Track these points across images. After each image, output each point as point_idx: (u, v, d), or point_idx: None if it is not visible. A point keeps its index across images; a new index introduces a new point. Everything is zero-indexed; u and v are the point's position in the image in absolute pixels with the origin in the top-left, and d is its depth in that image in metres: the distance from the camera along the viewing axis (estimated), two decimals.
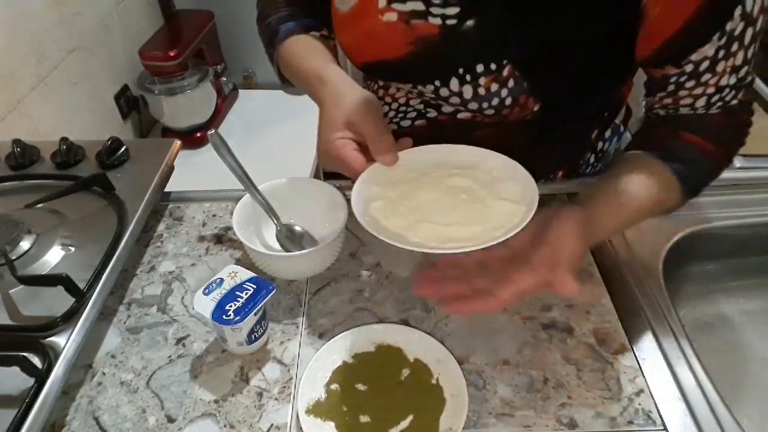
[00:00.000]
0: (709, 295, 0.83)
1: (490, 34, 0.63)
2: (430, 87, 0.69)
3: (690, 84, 0.60)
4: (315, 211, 0.74)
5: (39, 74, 1.16)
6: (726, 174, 0.86)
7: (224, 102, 1.69)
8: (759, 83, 1.31)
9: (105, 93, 1.42)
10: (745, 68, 0.59)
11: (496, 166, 0.61)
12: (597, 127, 0.75)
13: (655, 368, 0.61)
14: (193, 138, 1.56)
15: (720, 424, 0.56)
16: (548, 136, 0.72)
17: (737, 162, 1.16)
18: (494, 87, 0.65)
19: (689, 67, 0.58)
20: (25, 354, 0.53)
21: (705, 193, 0.82)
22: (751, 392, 0.74)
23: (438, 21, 0.64)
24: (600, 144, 0.82)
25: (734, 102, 0.62)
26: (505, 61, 0.64)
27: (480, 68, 0.65)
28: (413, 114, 0.77)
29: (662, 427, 0.56)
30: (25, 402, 0.52)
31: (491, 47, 0.64)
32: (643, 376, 0.60)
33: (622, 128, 0.85)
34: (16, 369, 0.52)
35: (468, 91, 0.66)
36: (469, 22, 0.63)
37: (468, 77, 0.65)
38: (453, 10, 0.63)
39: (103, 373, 0.63)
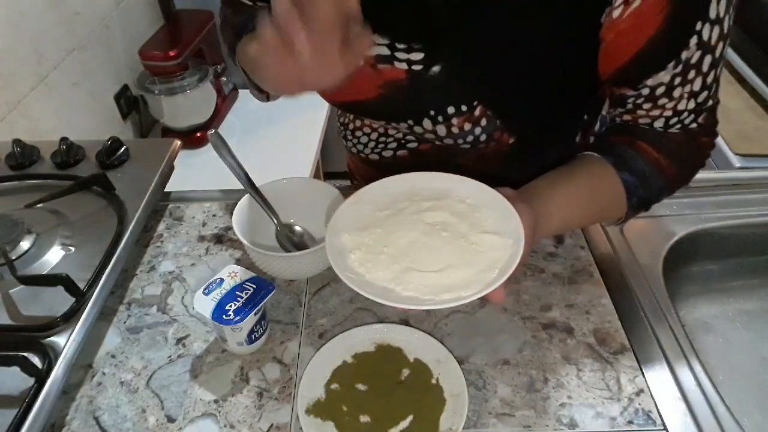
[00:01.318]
0: (709, 295, 0.83)
1: (457, 78, 0.62)
2: (404, 125, 0.68)
3: (647, 106, 0.60)
4: (315, 211, 0.74)
5: (39, 74, 1.15)
6: (726, 174, 0.87)
7: (224, 102, 1.68)
8: (759, 84, 1.32)
9: (105, 93, 1.42)
10: (705, 93, 0.59)
11: (468, 192, 0.58)
12: (580, 130, 0.76)
13: (655, 368, 0.62)
14: (193, 138, 1.56)
15: (720, 424, 0.57)
16: (530, 157, 0.72)
17: (737, 162, 1.17)
18: (467, 126, 0.65)
19: (645, 91, 0.59)
20: (25, 354, 0.53)
21: (705, 193, 0.83)
22: (751, 392, 0.74)
23: (404, 66, 0.63)
24: (591, 139, 0.82)
25: (693, 125, 0.62)
26: (475, 102, 0.63)
27: (451, 110, 0.64)
28: (393, 144, 0.77)
29: (662, 427, 0.56)
30: (25, 402, 0.52)
31: (460, 91, 0.63)
32: (643, 376, 0.60)
33: (608, 117, 0.85)
34: (16, 369, 0.52)
35: (442, 130, 0.66)
36: (435, 68, 0.62)
37: (440, 118, 0.65)
38: (418, 56, 0.62)
39: (103, 373, 0.63)
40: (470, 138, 0.66)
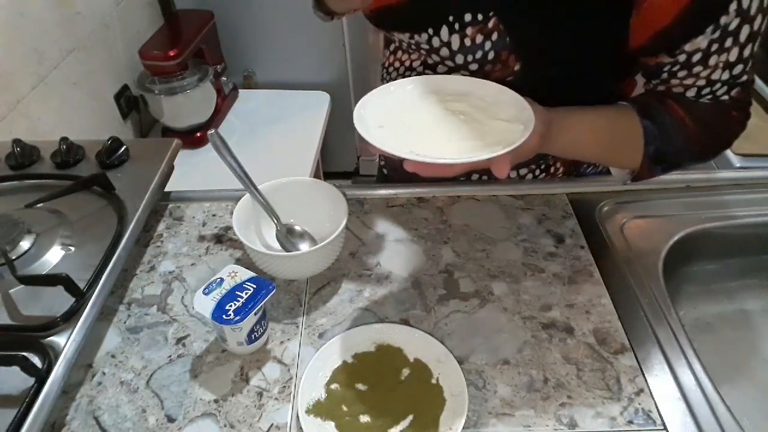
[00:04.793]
0: (709, 295, 0.83)
1: None
2: (425, 36, 0.71)
3: (682, 74, 0.62)
4: (315, 211, 0.74)
5: (39, 74, 1.16)
6: (726, 174, 0.87)
7: (224, 102, 1.69)
8: (759, 83, 1.32)
9: (105, 93, 1.42)
10: (740, 66, 0.60)
11: (489, 93, 0.64)
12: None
13: (655, 368, 0.61)
14: (193, 138, 1.56)
15: (720, 424, 0.57)
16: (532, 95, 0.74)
17: (737, 162, 1.17)
18: (479, 38, 0.68)
19: (682, 57, 0.60)
20: (25, 354, 0.53)
21: (705, 193, 0.83)
22: (751, 392, 0.74)
23: None
24: None
25: (725, 97, 0.63)
26: (491, 13, 0.66)
27: (468, 17, 0.67)
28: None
29: (662, 427, 0.56)
30: (25, 402, 0.52)
31: None
32: (643, 376, 0.60)
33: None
34: (16, 369, 0.52)
35: (455, 42, 0.69)
36: None
37: (456, 26, 0.68)
38: None
39: (103, 373, 0.63)
40: (479, 54, 0.69)
